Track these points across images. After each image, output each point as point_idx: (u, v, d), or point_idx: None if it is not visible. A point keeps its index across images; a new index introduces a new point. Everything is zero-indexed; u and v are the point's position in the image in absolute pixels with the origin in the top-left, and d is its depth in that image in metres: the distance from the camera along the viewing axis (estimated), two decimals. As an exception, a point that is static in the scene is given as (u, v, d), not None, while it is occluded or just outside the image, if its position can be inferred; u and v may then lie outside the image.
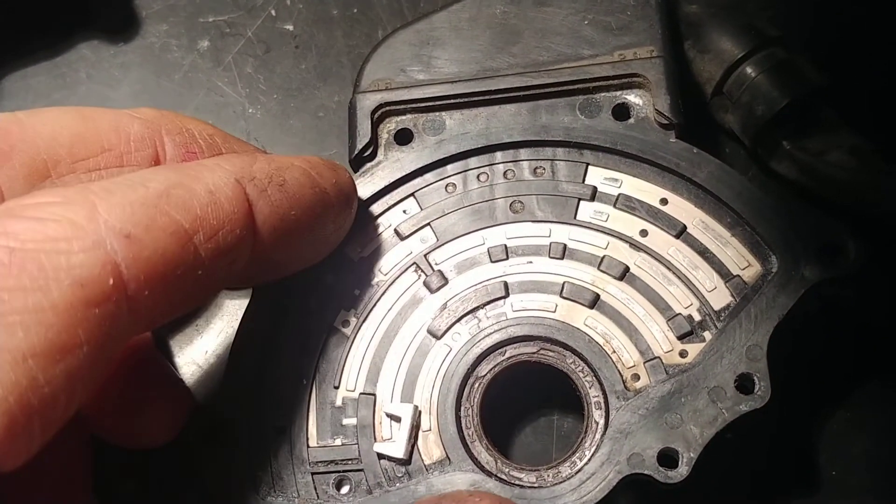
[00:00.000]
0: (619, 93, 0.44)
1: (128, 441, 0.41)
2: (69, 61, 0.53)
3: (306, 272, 0.40)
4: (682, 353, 0.40)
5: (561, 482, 0.38)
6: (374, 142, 0.44)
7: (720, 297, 0.40)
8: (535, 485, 0.39)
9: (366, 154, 0.44)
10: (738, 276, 0.40)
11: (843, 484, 0.43)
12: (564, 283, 0.41)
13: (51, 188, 0.33)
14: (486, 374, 0.41)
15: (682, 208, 0.42)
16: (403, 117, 0.45)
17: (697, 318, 0.40)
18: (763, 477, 0.43)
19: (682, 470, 0.37)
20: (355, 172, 0.44)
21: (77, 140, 0.36)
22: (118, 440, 0.40)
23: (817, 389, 0.44)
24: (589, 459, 0.38)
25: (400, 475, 0.39)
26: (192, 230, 0.32)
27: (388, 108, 0.45)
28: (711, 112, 0.48)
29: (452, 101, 0.44)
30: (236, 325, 0.42)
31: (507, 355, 0.41)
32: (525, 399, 0.43)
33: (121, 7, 0.54)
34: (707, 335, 0.40)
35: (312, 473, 0.40)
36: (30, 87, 0.53)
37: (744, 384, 0.38)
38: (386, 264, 0.43)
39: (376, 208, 0.44)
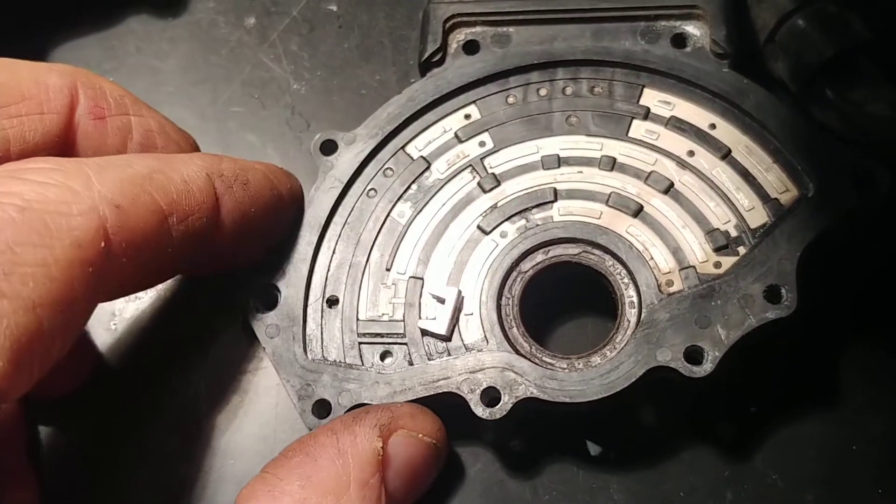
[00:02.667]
0: (678, 23, 0.46)
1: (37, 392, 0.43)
2: (119, 34, 0.55)
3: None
4: (717, 265, 0.42)
5: (590, 369, 0.41)
6: (443, 49, 0.47)
7: (757, 217, 0.42)
8: (566, 370, 0.41)
9: (434, 59, 0.47)
10: (777, 198, 0.43)
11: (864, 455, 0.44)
12: (611, 193, 0.44)
13: (45, 157, 0.36)
14: (528, 270, 0.43)
15: (729, 133, 0.44)
16: (473, 29, 0.47)
17: (734, 233, 0.42)
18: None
19: (707, 366, 0.39)
20: (423, 76, 0.47)
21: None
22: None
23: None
24: (619, 352, 0.41)
25: (440, 351, 0.42)
26: (168, 211, 0.36)
27: (459, 18, 0.47)
28: (763, 60, 0.50)
29: (520, 16, 0.47)
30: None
31: (550, 254, 0.44)
32: (563, 299, 0.45)
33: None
34: (742, 250, 0.42)
35: (360, 343, 0.43)
36: (80, 58, 0.54)
37: (772, 294, 0.40)
38: (444, 163, 0.45)
39: (439, 111, 0.46)
